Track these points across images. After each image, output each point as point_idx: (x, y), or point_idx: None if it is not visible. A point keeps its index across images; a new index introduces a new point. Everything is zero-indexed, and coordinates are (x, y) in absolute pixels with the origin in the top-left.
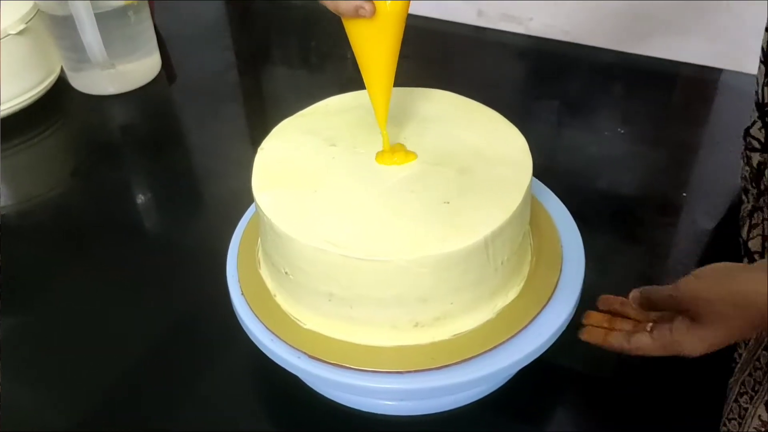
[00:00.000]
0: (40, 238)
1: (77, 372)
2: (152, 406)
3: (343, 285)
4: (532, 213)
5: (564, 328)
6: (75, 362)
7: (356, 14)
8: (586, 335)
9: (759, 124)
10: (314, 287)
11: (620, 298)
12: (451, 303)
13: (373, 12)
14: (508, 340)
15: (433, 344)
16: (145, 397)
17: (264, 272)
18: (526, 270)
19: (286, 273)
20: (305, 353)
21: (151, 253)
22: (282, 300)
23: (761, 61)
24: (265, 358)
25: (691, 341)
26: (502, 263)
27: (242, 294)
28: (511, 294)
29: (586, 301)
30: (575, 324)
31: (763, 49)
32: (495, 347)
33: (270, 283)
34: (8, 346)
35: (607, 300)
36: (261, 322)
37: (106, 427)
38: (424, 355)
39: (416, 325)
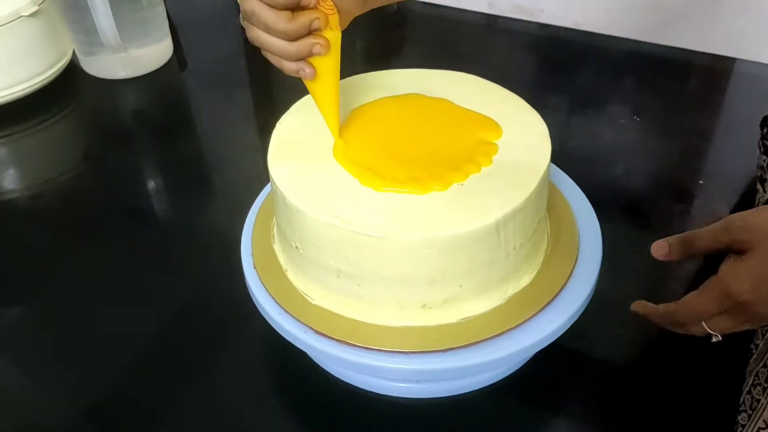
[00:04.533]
0: (51, 221)
1: (90, 355)
2: (165, 387)
3: (351, 261)
4: (550, 200)
5: (576, 318)
6: (87, 345)
7: (297, 75)
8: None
9: None
10: (323, 263)
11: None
12: (460, 286)
13: (314, 74)
14: (516, 326)
15: (441, 327)
16: (158, 377)
17: (277, 247)
18: (540, 258)
19: (296, 247)
20: (312, 328)
21: (163, 237)
22: (292, 275)
23: None
24: (278, 336)
25: (735, 274)
26: (514, 249)
27: (254, 267)
28: (524, 281)
29: (601, 290)
30: (588, 311)
31: None
32: (502, 333)
33: (282, 258)
34: (19, 329)
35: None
36: (270, 295)
37: (122, 405)
38: (431, 337)
39: (424, 306)
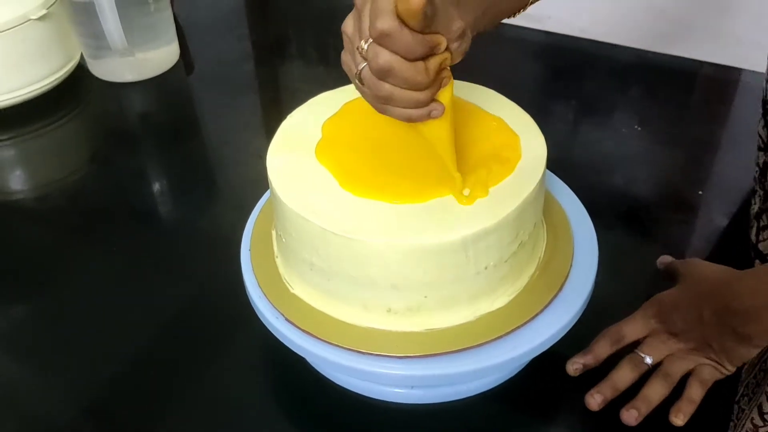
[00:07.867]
0: (57, 223)
1: (92, 354)
2: (165, 386)
3: (322, 257)
4: (548, 213)
5: (558, 338)
6: (90, 344)
7: (429, 117)
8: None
9: (762, 122)
10: (299, 254)
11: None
12: (425, 296)
13: (444, 110)
14: (482, 344)
15: (404, 334)
16: (160, 376)
17: (273, 234)
18: (521, 281)
19: (280, 236)
20: (283, 315)
21: (168, 239)
22: (279, 262)
23: None
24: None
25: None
26: (486, 268)
27: (249, 250)
28: (498, 302)
29: (599, 299)
30: (585, 320)
31: None
32: (466, 349)
33: (275, 246)
34: (23, 329)
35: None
36: (256, 279)
37: (122, 403)
38: (393, 342)
39: (389, 311)
